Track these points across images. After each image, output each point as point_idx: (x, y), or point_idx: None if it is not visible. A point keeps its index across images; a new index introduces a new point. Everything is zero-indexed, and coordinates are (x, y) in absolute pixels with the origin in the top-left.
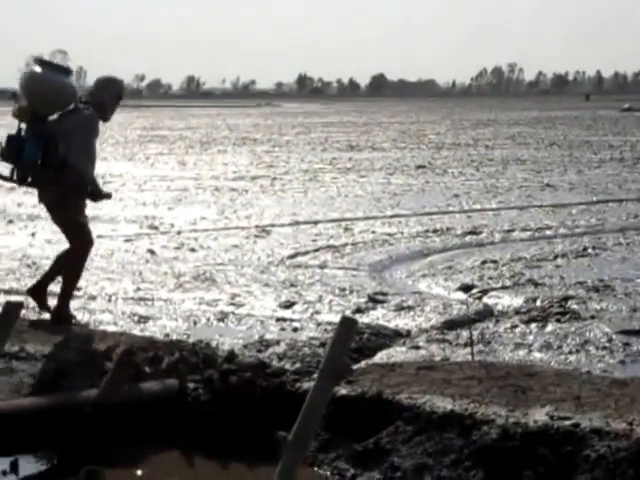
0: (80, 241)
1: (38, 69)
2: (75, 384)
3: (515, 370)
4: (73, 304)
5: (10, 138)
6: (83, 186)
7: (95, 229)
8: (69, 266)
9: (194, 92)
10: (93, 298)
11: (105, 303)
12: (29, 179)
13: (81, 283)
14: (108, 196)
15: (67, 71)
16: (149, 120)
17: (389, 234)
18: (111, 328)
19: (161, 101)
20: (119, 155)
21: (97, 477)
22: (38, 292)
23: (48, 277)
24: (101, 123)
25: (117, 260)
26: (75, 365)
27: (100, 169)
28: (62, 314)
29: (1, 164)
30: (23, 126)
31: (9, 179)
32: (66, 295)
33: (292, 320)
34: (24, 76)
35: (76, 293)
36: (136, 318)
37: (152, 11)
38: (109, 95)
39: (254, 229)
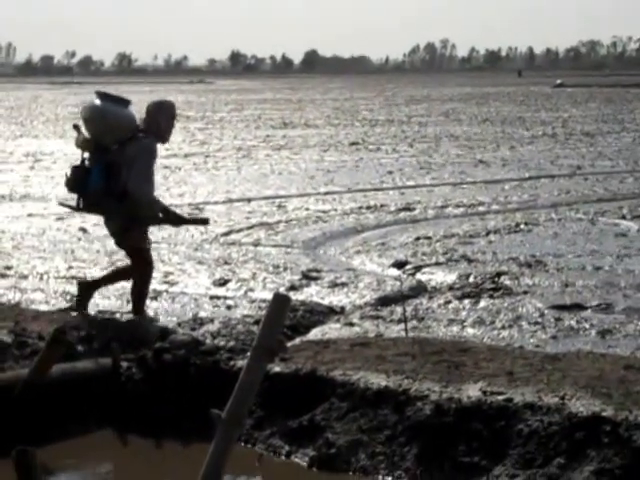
0: (144, 266)
1: (98, 102)
2: (7, 364)
3: (448, 346)
4: (4, 283)
5: (75, 169)
6: (143, 213)
7: (26, 207)
8: (137, 287)
9: (126, 69)
10: (25, 277)
11: (37, 282)
12: (95, 207)
13: (12, 262)
14: (204, 221)
15: (126, 102)
16: (80, 97)
17: (323, 211)
18: (43, 307)
19: (92, 78)
20: (50, 133)
21: (29, 457)
22: (88, 289)
23: (102, 282)
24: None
25: (49, 239)
26: (7, 345)
27: (31, 147)
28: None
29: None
30: (86, 155)
31: (76, 208)
32: (139, 311)
33: (226, 298)
34: (86, 109)
35: (8, 272)
36: (68, 297)
37: None
38: (164, 118)
39: (187, 207)
